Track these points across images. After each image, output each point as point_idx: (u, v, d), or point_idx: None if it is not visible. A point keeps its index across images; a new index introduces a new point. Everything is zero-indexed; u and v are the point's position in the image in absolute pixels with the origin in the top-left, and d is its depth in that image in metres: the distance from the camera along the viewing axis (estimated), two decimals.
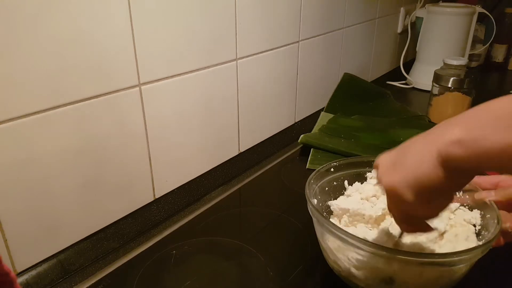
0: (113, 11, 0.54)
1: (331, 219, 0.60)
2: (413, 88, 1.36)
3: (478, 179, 0.54)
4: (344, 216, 0.58)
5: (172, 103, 0.66)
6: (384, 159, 0.39)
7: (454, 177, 0.32)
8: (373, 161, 0.64)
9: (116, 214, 0.63)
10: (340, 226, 0.57)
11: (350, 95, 1.13)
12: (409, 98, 1.32)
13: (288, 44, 0.89)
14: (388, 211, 0.54)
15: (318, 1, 0.95)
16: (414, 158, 0.34)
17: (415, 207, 0.35)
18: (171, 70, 0.64)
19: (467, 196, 0.56)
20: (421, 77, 1.34)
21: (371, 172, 0.62)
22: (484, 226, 0.52)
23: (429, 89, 1.08)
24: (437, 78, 1.03)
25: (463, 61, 1.04)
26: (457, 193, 0.57)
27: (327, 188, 0.62)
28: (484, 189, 0.52)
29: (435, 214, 0.37)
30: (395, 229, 0.51)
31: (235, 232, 0.66)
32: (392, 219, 0.55)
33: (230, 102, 0.78)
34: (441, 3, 1.35)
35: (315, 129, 1.01)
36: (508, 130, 0.28)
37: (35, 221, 0.52)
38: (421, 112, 1.11)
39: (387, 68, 1.48)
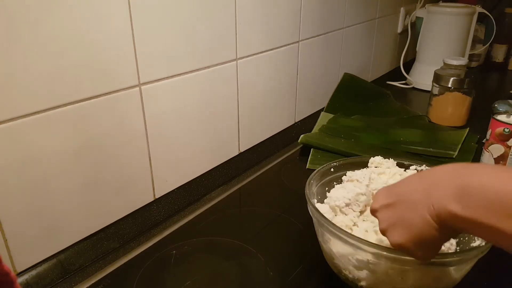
0: (113, 11, 0.54)
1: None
2: (413, 88, 1.36)
3: None
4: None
5: (172, 103, 0.66)
6: (381, 209, 0.43)
7: (449, 232, 0.38)
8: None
9: (116, 214, 0.63)
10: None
11: (350, 95, 1.13)
12: (409, 98, 1.32)
13: (288, 44, 0.89)
14: None
15: (318, 1, 0.95)
16: (414, 219, 0.38)
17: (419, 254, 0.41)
18: (171, 70, 0.64)
19: None
20: (421, 77, 1.34)
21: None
22: None
23: (429, 89, 1.08)
24: (437, 78, 1.03)
25: (463, 61, 1.04)
26: None
27: (327, 188, 0.62)
28: None
29: (433, 256, 0.42)
30: None
31: (235, 232, 0.66)
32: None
33: (230, 102, 0.78)
34: (441, 3, 1.35)
35: (315, 129, 1.01)
36: (497, 216, 0.32)
37: (35, 221, 0.52)
38: (421, 112, 1.11)
39: (387, 68, 1.48)
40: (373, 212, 0.45)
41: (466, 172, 0.35)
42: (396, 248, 0.41)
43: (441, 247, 0.41)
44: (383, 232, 0.43)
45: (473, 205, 0.33)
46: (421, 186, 0.39)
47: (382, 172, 0.62)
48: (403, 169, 0.63)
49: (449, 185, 0.35)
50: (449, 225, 0.36)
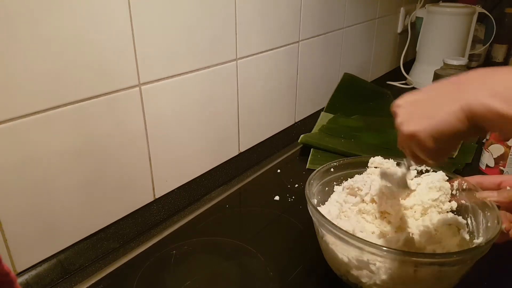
0: (113, 11, 0.54)
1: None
2: (413, 88, 1.36)
3: (480, 179, 0.54)
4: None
5: (172, 103, 0.66)
6: (405, 104, 0.41)
7: (475, 130, 0.36)
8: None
9: (116, 214, 0.63)
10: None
11: (350, 95, 1.13)
12: None
13: (288, 44, 0.89)
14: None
15: (318, 1, 0.95)
16: (441, 109, 0.37)
17: (430, 151, 0.39)
18: (171, 70, 0.64)
19: (465, 195, 0.56)
20: (421, 77, 1.34)
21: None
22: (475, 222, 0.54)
23: None
24: (437, 78, 1.03)
25: (463, 61, 1.04)
26: (454, 192, 0.57)
27: (327, 188, 0.62)
28: (486, 189, 0.52)
29: (445, 155, 0.40)
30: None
31: (235, 232, 0.66)
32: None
33: (230, 102, 0.78)
34: (441, 3, 1.35)
35: (315, 129, 1.01)
36: None
37: (35, 221, 0.52)
38: None
39: (387, 68, 1.48)
40: (395, 107, 0.42)
41: (499, 73, 0.35)
42: (408, 137, 0.40)
43: (452, 150, 0.39)
44: (398, 125, 0.41)
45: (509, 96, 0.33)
46: (451, 85, 0.38)
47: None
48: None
49: (485, 84, 0.35)
50: (479, 122, 0.35)
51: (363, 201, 0.59)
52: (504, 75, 0.35)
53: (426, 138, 0.38)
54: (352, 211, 0.58)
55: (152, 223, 0.68)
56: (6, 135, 0.47)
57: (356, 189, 0.59)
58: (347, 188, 0.60)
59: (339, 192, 0.62)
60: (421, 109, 0.39)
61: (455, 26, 1.29)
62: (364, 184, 0.59)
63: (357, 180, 0.60)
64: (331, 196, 0.62)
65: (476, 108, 0.34)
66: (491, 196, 0.50)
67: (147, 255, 0.61)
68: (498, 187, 0.52)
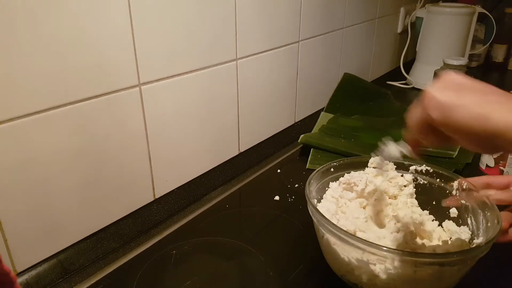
0: (113, 11, 0.54)
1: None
2: (413, 88, 1.36)
3: (488, 179, 0.53)
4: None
5: (172, 103, 0.66)
6: (449, 78, 0.38)
7: (483, 145, 0.34)
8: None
9: (116, 214, 0.63)
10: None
11: (350, 95, 1.13)
12: (409, 98, 1.32)
13: (288, 44, 0.89)
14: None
15: (318, 1, 0.95)
16: (471, 102, 0.33)
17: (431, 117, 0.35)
18: (171, 70, 0.64)
19: (465, 195, 0.56)
20: (421, 77, 1.34)
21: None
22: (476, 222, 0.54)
23: None
24: (437, 78, 1.03)
25: (463, 61, 1.04)
26: (454, 192, 0.57)
27: (327, 188, 0.62)
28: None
29: (438, 144, 0.37)
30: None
31: (235, 232, 0.66)
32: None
33: (230, 102, 0.78)
34: (441, 3, 1.35)
35: (315, 129, 1.01)
36: None
37: (35, 221, 0.52)
38: None
39: (387, 68, 1.48)
40: (435, 78, 0.37)
41: None
42: (424, 96, 0.37)
43: (446, 143, 0.37)
44: (430, 91, 0.37)
45: None
46: (502, 93, 0.34)
47: (380, 173, 0.62)
48: (403, 170, 0.63)
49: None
50: (500, 140, 0.31)
51: (362, 196, 0.59)
52: None
53: (435, 106, 0.34)
54: (348, 206, 0.58)
55: (152, 223, 0.68)
56: (6, 135, 0.47)
57: (353, 184, 0.59)
58: (344, 183, 0.60)
59: (334, 187, 0.62)
60: (467, 90, 0.35)
61: (455, 26, 1.29)
62: (360, 180, 0.59)
63: (353, 176, 0.61)
64: (327, 192, 0.61)
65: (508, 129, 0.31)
66: (500, 196, 0.49)
67: (147, 255, 0.61)
68: (506, 188, 0.51)
